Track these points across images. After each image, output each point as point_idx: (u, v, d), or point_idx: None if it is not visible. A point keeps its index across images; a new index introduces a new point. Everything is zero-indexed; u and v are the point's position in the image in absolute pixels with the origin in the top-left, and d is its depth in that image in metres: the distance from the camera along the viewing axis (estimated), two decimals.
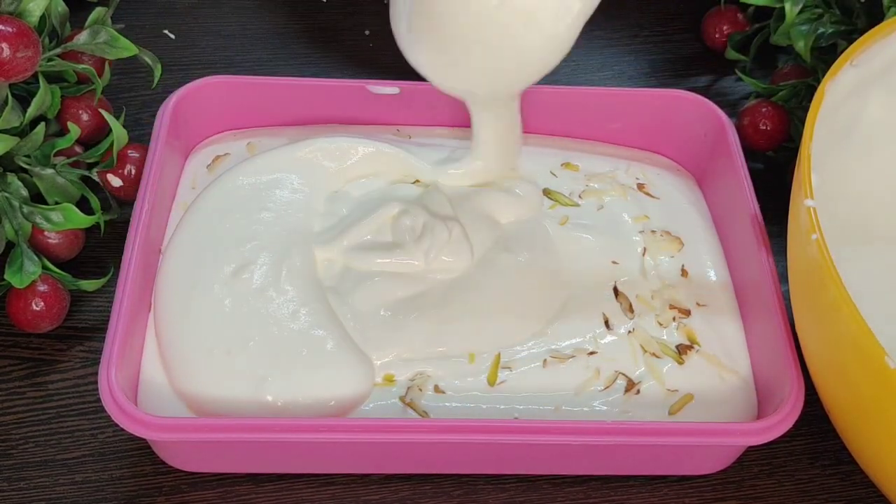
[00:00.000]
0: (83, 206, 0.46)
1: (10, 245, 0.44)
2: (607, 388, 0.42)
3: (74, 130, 0.45)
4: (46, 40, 0.46)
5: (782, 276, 0.45)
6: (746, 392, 0.43)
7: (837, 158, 0.43)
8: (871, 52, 0.42)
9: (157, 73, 0.49)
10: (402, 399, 0.41)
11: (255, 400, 0.40)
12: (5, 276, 0.43)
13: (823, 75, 0.51)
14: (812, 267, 0.36)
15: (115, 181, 0.47)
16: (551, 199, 0.48)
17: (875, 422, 0.36)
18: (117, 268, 0.42)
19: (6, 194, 0.44)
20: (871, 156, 0.45)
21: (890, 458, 0.36)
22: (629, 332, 0.44)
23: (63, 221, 0.44)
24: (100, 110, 0.48)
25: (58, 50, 0.46)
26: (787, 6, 0.51)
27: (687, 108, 0.50)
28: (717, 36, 0.58)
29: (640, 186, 0.49)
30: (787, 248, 0.41)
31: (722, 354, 0.44)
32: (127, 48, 0.46)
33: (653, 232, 0.47)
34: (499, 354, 0.42)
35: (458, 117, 0.50)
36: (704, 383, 0.43)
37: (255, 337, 0.41)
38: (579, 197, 0.48)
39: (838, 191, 0.43)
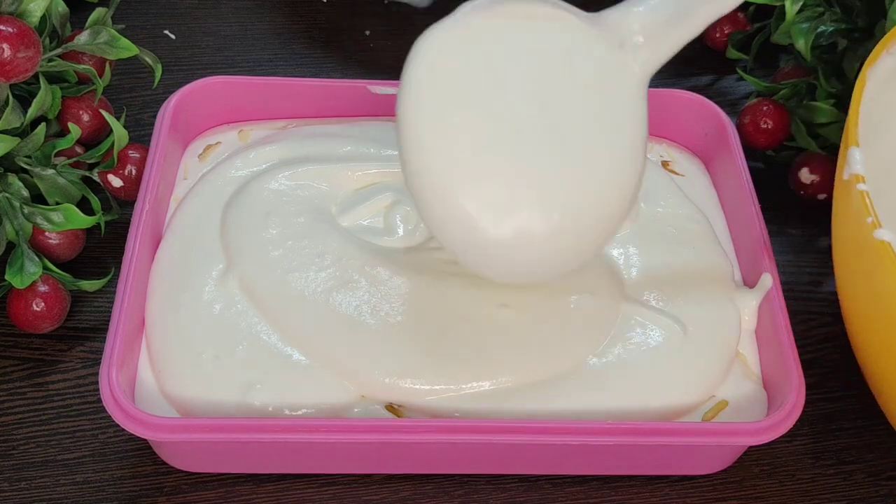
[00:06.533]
0: (84, 206, 0.46)
1: (11, 245, 0.44)
2: None
3: (75, 131, 0.45)
4: (47, 41, 0.46)
5: (782, 275, 0.45)
6: (762, 392, 0.42)
7: (879, 147, 0.43)
8: None
9: (158, 73, 0.49)
10: (387, 407, 0.40)
11: (242, 405, 0.39)
12: (6, 277, 0.43)
13: (824, 74, 0.51)
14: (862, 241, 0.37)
15: (116, 181, 0.47)
16: None
17: None
18: (118, 268, 0.42)
19: (7, 195, 0.44)
20: None
21: None
22: None
23: (64, 222, 0.44)
24: (100, 111, 0.48)
25: (58, 50, 0.46)
26: (787, 5, 0.51)
27: (687, 107, 0.50)
28: (717, 35, 0.58)
29: (665, 164, 0.50)
30: (833, 230, 0.41)
31: (748, 353, 0.43)
32: (128, 48, 0.46)
33: None
34: None
35: None
36: (738, 385, 0.42)
37: (243, 341, 0.41)
38: None
39: (881, 180, 0.43)
